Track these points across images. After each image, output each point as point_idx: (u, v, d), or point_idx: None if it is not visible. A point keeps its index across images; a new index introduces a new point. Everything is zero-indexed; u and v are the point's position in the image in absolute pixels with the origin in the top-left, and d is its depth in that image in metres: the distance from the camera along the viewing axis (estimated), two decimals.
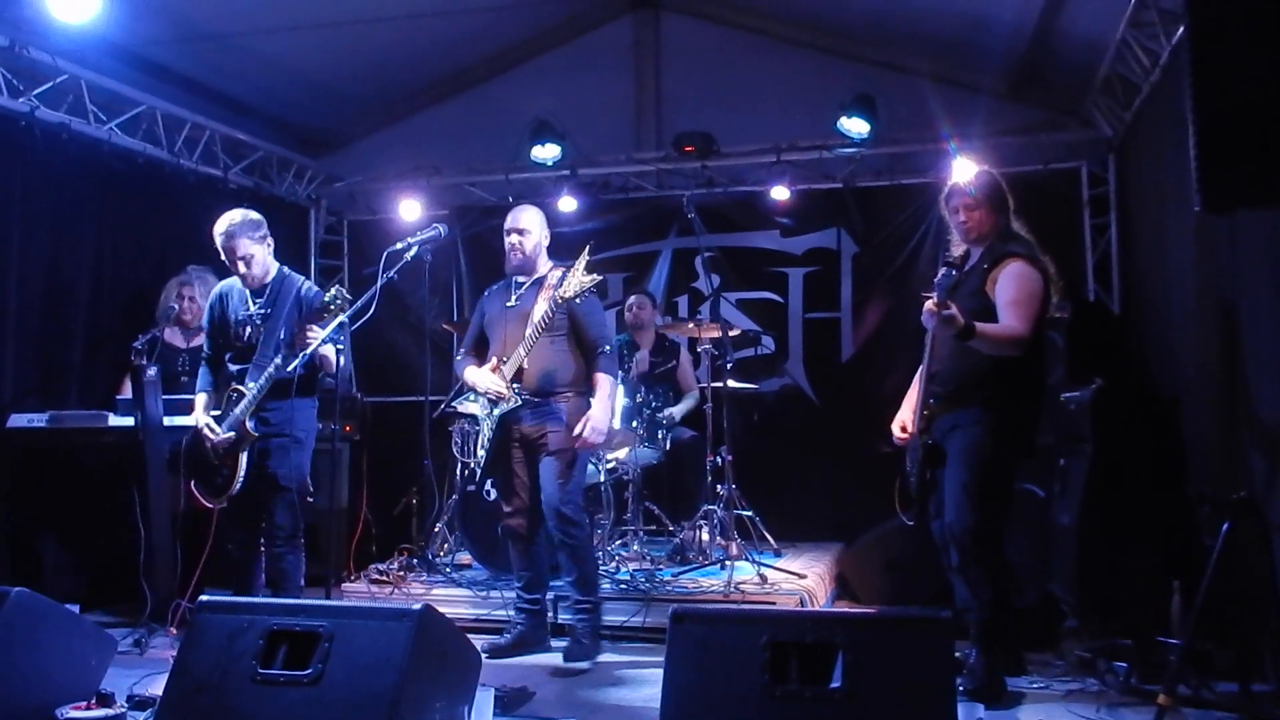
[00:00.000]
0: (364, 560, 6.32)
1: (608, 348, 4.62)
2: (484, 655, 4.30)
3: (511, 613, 4.86)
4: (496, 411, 4.62)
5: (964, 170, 6.11)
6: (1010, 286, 3.85)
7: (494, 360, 4.68)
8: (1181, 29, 4.59)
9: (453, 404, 5.32)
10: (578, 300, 4.42)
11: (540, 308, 4.53)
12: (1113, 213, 6.64)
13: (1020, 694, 3.95)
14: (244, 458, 4.43)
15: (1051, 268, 3.97)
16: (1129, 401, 5.14)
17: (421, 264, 4.61)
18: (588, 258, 4.42)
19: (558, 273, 4.60)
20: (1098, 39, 5.67)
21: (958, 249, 4.11)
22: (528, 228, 4.72)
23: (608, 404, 4.55)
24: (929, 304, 3.73)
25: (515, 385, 4.54)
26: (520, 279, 4.74)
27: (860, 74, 7.09)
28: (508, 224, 4.75)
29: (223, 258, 4.57)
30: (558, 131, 7.11)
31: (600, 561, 5.64)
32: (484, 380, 4.65)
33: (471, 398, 4.81)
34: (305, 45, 6.76)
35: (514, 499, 4.70)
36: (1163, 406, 5.07)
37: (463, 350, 4.92)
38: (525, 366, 4.52)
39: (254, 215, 4.57)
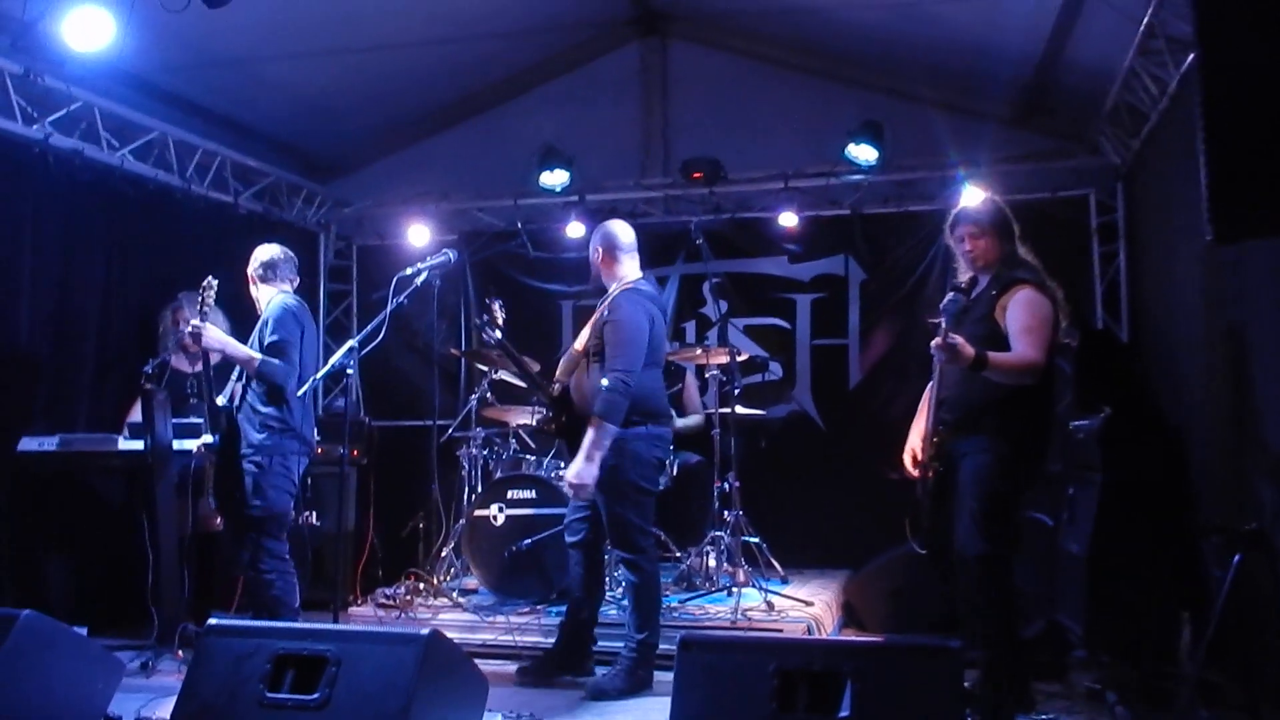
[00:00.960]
0: (370, 584, 6.31)
1: (606, 383, 4.27)
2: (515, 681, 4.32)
3: (517, 638, 4.84)
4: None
5: (970, 198, 6.16)
6: (1021, 314, 3.85)
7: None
8: (1190, 57, 4.62)
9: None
10: (606, 315, 4.41)
11: (584, 332, 4.49)
12: (1121, 240, 6.66)
13: None
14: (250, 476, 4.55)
15: (1059, 293, 3.97)
16: (1138, 430, 5.12)
17: (430, 289, 4.62)
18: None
19: (615, 291, 4.54)
20: (1105, 67, 5.70)
21: (965, 275, 4.12)
22: (597, 245, 4.68)
23: (591, 453, 4.24)
24: (937, 339, 3.73)
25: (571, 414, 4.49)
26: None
27: (867, 101, 7.14)
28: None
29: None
30: (566, 157, 7.16)
31: (606, 586, 5.63)
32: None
33: None
34: (315, 71, 6.82)
35: (581, 521, 4.60)
36: (1171, 435, 5.06)
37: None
38: (571, 391, 4.47)
39: (276, 254, 4.83)
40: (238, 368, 4.65)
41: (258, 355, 4.42)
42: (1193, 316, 4.92)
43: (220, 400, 4.57)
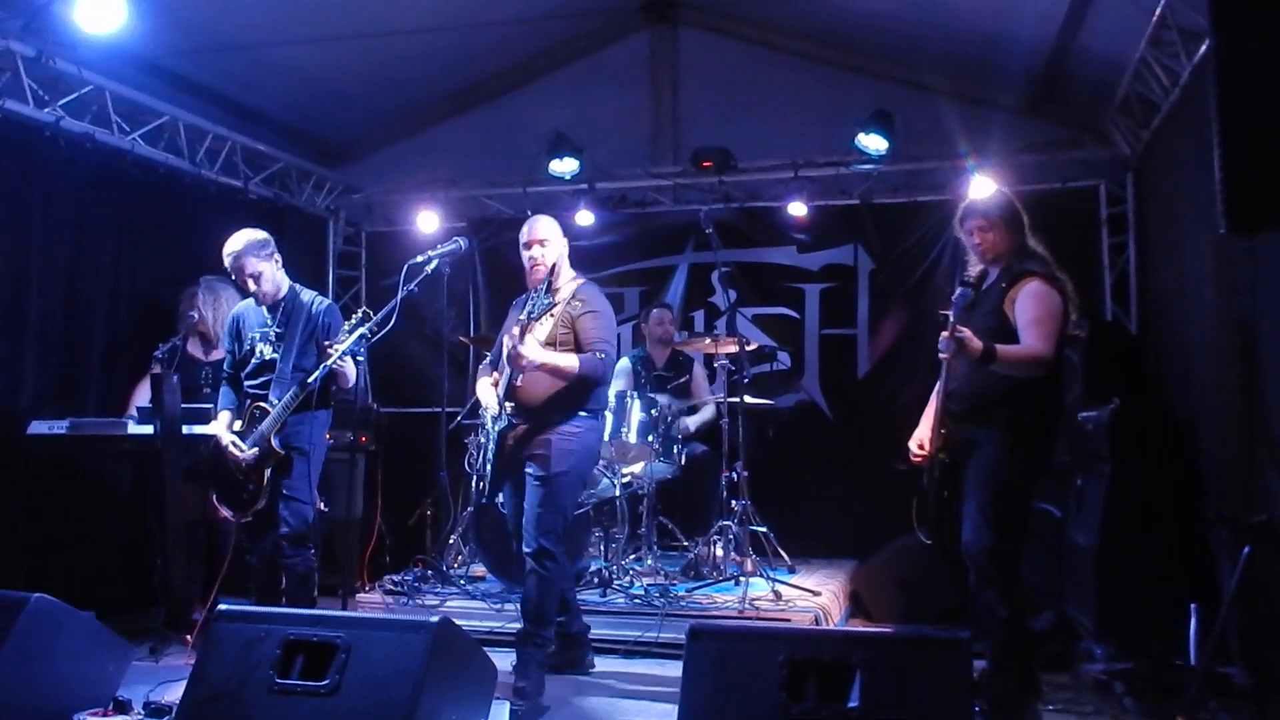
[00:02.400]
0: (378, 571, 6.33)
1: (601, 353, 4.28)
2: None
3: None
4: (494, 427, 4.40)
5: (979, 189, 6.14)
6: (1030, 306, 3.84)
7: (495, 374, 4.53)
8: (1203, 48, 4.60)
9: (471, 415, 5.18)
10: (579, 307, 4.32)
11: (544, 324, 4.32)
12: (1131, 232, 6.63)
13: (1036, 716, 3.92)
14: (269, 473, 4.51)
15: (1069, 285, 3.96)
16: (1147, 422, 5.11)
17: (439, 276, 4.60)
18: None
19: (572, 287, 4.45)
20: (1117, 57, 5.67)
21: (975, 268, 4.11)
22: (546, 238, 4.44)
23: (559, 360, 4.20)
24: (945, 332, 3.73)
25: (510, 405, 4.32)
26: (544, 291, 4.43)
27: (878, 90, 7.10)
28: (525, 236, 4.47)
29: (234, 278, 4.68)
30: (576, 145, 7.14)
31: (614, 575, 5.65)
32: (482, 394, 4.52)
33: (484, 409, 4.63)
34: (325, 57, 6.81)
35: (514, 520, 4.49)
36: (1181, 427, 5.05)
37: (487, 360, 4.74)
38: (518, 384, 4.29)
39: (260, 234, 4.65)
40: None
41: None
42: (1203, 307, 4.91)
43: (273, 399, 4.51)
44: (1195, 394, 5.07)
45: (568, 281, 4.49)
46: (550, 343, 4.26)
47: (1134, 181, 6.59)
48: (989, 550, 3.86)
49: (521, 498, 4.38)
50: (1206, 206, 4.73)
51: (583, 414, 4.36)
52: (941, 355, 3.86)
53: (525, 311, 4.39)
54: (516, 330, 4.18)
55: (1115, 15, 5.42)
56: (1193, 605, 4.23)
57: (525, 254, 4.46)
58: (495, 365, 4.59)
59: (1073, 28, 5.85)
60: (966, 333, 3.70)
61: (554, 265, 4.40)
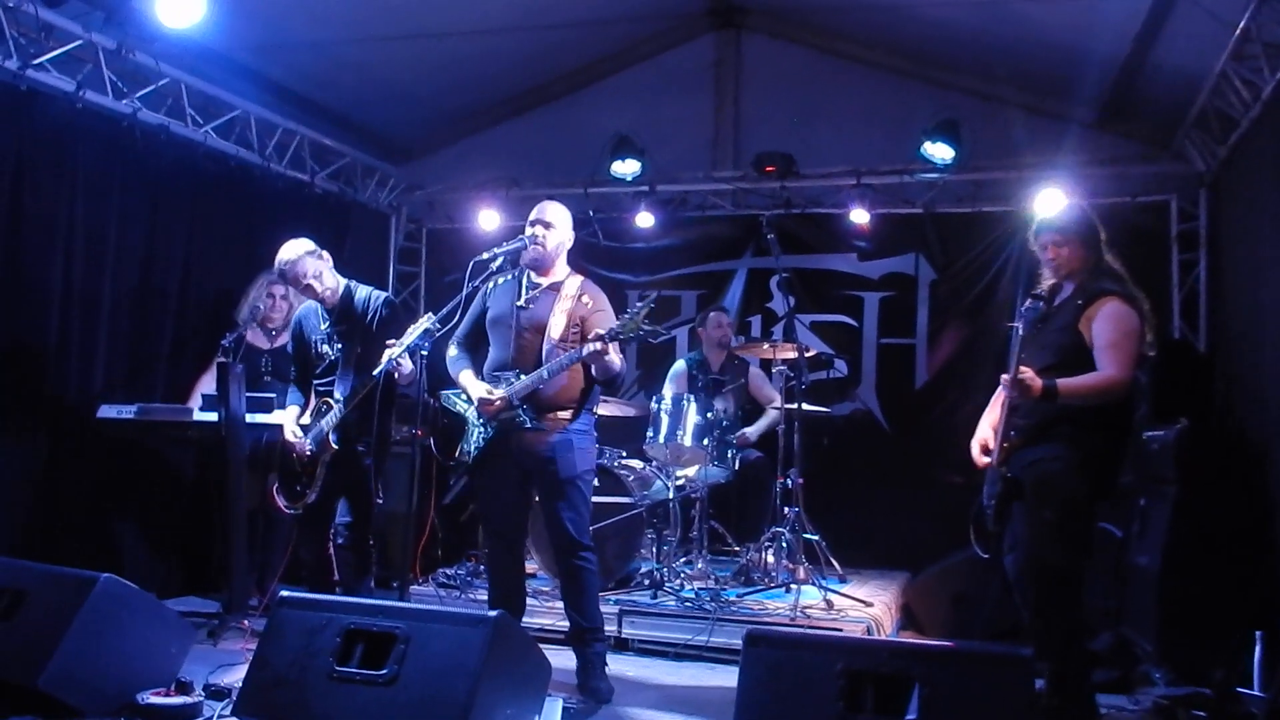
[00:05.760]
0: (431, 565, 6.38)
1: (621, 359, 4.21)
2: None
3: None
4: (481, 420, 4.29)
5: (1050, 202, 6.06)
6: (1107, 328, 3.75)
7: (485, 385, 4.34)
8: None
9: (439, 399, 4.77)
10: (589, 306, 4.27)
11: (558, 321, 4.24)
12: (1202, 249, 6.49)
13: None
14: (322, 469, 4.59)
15: (1146, 304, 3.87)
16: (1215, 443, 5.01)
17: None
18: (653, 305, 4.00)
19: (575, 282, 4.39)
20: (1194, 71, 5.57)
21: (1048, 281, 4.03)
22: (553, 222, 4.34)
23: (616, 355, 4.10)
24: (1006, 375, 3.68)
25: (524, 406, 4.19)
26: (535, 277, 4.37)
27: (943, 99, 7.04)
28: (533, 215, 4.38)
29: (293, 288, 4.79)
30: (638, 147, 7.16)
31: (665, 577, 5.65)
32: (476, 392, 4.29)
33: (464, 397, 4.43)
34: (393, 55, 6.89)
35: (502, 518, 4.44)
36: (1251, 451, 4.94)
37: (456, 345, 4.48)
38: (542, 389, 4.20)
39: (308, 243, 4.72)
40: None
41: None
42: (1279, 330, 4.79)
43: (337, 394, 4.60)
44: (1270, 420, 4.92)
45: (568, 275, 4.43)
46: (563, 339, 4.22)
47: (1207, 197, 6.45)
48: (1050, 568, 3.79)
49: (520, 494, 4.37)
50: None
51: (587, 413, 4.35)
52: (1004, 393, 3.79)
53: (525, 298, 4.32)
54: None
55: (1193, 28, 5.32)
56: (1258, 633, 4.12)
57: (528, 230, 4.35)
58: (464, 344, 4.47)
59: (1148, 41, 5.76)
60: (1029, 373, 3.64)
61: (552, 252, 4.35)
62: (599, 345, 3.96)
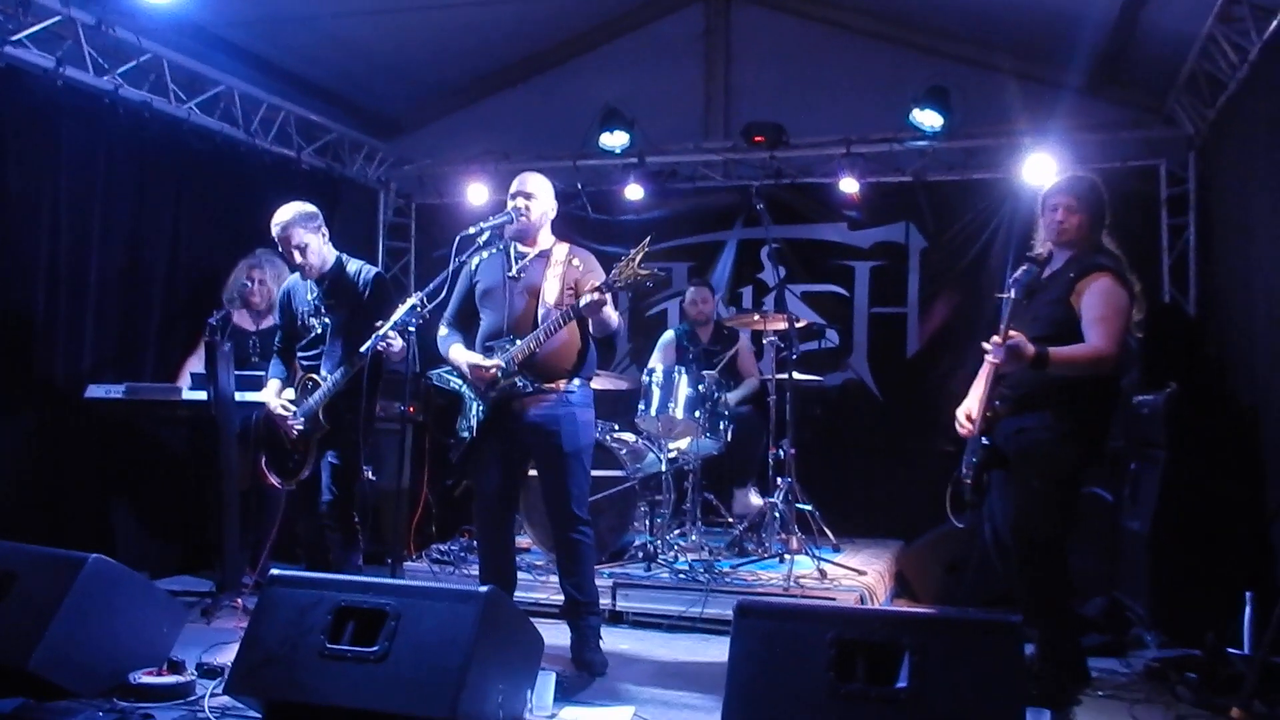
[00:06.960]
0: (424, 541, 6.39)
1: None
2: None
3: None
4: (492, 394, 4.24)
5: (1041, 167, 6.03)
6: (1097, 302, 3.73)
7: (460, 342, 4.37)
8: (1274, 24, 4.47)
9: (433, 378, 4.77)
10: (580, 269, 4.26)
11: (552, 286, 4.23)
12: (1192, 213, 6.47)
13: (1086, 701, 3.88)
14: (315, 445, 4.58)
15: (1137, 285, 3.86)
16: (1205, 407, 5.02)
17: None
18: (647, 249, 4.02)
19: (564, 249, 4.38)
20: (1183, 34, 5.53)
21: (1042, 247, 4.01)
22: (535, 193, 4.34)
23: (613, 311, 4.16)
24: (994, 338, 3.67)
25: (522, 372, 4.18)
26: (521, 248, 4.35)
27: (933, 66, 6.99)
28: (514, 187, 4.37)
29: (280, 250, 4.70)
30: (627, 119, 7.10)
31: (658, 550, 5.65)
32: (470, 361, 4.25)
33: (456, 374, 4.41)
34: (379, 28, 6.83)
35: (495, 492, 4.36)
36: (1241, 414, 4.95)
37: (446, 323, 4.45)
38: (538, 351, 4.18)
39: (308, 207, 4.66)
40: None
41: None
42: (1269, 293, 4.78)
43: (324, 371, 4.58)
44: (1260, 382, 4.93)
45: (554, 243, 4.42)
46: (557, 305, 4.20)
47: (1196, 161, 6.43)
48: (1036, 534, 3.80)
49: (514, 469, 4.36)
50: (1276, 187, 4.60)
51: (580, 380, 4.31)
52: (991, 361, 3.78)
53: (516, 268, 4.31)
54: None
55: None
56: (1248, 594, 4.14)
57: (511, 204, 4.33)
58: (453, 322, 4.44)
59: (1137, 4, 5.71)
60: (1019, 338, 3.63)
61: (536, 221, 4.34)
62: (597, 295, 3.98)
